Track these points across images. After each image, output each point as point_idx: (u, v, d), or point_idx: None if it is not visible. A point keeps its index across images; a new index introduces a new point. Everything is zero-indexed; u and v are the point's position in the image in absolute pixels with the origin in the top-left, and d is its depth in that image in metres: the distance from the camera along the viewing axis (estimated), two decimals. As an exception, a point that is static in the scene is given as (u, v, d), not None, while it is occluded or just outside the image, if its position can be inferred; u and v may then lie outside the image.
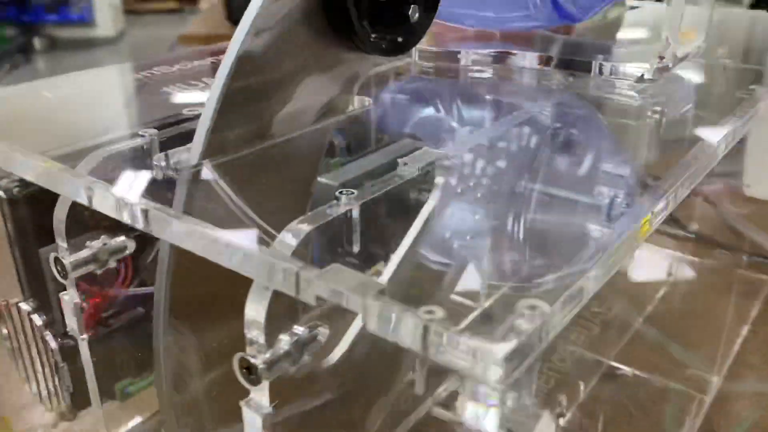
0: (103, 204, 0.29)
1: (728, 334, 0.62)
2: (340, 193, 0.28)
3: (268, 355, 0.25)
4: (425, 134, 0.38)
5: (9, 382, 0.47)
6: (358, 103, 0.39)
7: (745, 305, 0.68)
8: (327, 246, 0.28)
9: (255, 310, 0.25)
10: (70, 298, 0.34)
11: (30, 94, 0.43)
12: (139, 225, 0.28)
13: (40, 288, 0.41)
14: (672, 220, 0.76)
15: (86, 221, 0.35)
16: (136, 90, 0.46)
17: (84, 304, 0.38)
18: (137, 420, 0.45)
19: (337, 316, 0.26)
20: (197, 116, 0.33)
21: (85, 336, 0.35)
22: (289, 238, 0.25)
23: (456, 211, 0.33)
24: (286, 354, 0.26)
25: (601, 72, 0.44)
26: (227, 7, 2.09)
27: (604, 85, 0.44)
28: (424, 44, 0.50)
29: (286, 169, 0.35)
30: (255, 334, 0.25)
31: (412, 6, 0.36)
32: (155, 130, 0.34)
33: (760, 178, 0.72)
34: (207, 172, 0.31)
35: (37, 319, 0.37)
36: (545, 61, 0.49)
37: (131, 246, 0.34)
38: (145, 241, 0.36)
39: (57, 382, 0.38)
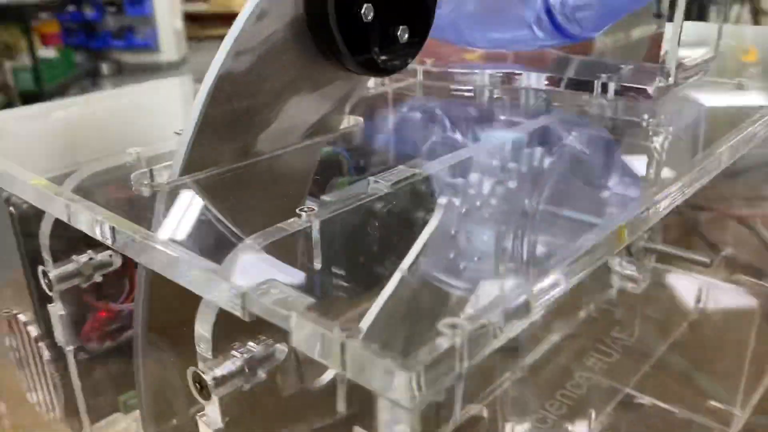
0: (80, 221, 0.30)
1: (757, 366, 0.59)
2: (301, 209, 0.28)
3: (217, 371, 0.25)
4: (413, 153, 0.38)
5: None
6: (348, 122, 0.39)
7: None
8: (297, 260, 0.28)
9: (202, 326, 0.25)
10: (55, 309, 0.34)
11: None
12: (109, 242, 0.28)
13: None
14: (706, 243, 0.73)
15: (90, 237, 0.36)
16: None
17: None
18: None
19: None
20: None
21: (71, 347, 0.35)
22: (239, 253, 0.26)
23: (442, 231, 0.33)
24: (238, 370, 0.26)
25: (605, 91, 0.43)
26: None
27: (604, 104, 0.43)
28: (428, 65, 0.50)
29: (270, 185, 0.35)
30: (203, 349, 0.25)
31: (401, 27, 0.36)
32: (142, 148, 0.35)
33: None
34: (185, 188, 0.32)
35: (33, 330, 0.38)
36: (554, 81, 0.48)
37: (117, 262, 0.35)
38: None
39: (51, 392, 0.39)
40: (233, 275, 0.23)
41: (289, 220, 0.27)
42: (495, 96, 0.48)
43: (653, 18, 0.58)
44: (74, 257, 0.34)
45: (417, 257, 0.31)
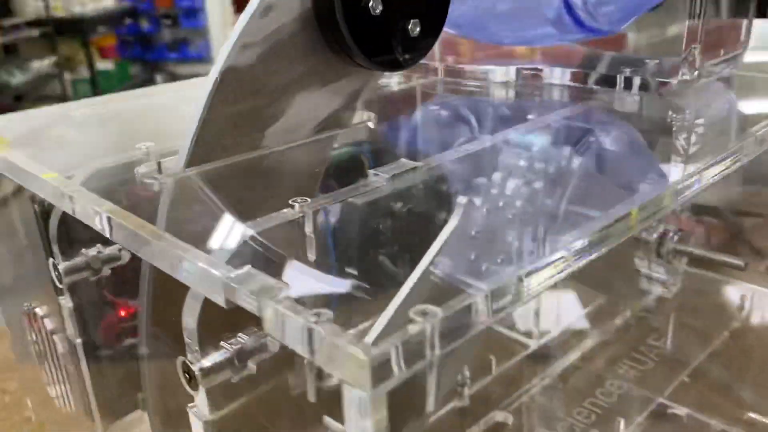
0: (80, 213, 0.30)
1: (802, 376, 0.56)
2: (294, 200, 0.27)
3: (205, 362, 0.25)
4: (424, 148, 0.37)
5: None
6: (359, 117, 0.39)
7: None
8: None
9: (189, 316, 0.25)
10: (65, 302, 0.35)
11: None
12: (107, 233, 0.29)
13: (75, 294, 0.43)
14: (752, 249, 0.70)
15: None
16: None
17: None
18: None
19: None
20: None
21: (79, 340, 0.36)
22: (228, 242, 0.25)
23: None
24: (227, 361, 0.26)
25: (628, 86, 0.42)
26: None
27: (626, 98, 0.41)
28: (449, 61, 0.49)
29: (278, 180, 0.35)
30: (190, 340, 0.25)
31: (412, 21, 0.36)
32: (153, 143, 0.35)
33: None
34: (189, 181, 0.32)
35: (48, 323, 0.39)
36: (578, 76, 0.47)
37: (125, 256, 0.35)
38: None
39: (67, 386, 0.40)
40: (217, 264, 0.23)
41: (281, 211, 0.27)
42: (517, 92, 0.47)
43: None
44: (83, 251, 0.34)
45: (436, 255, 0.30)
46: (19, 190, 0.40)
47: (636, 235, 0.47)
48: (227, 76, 0.32)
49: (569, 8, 0.43)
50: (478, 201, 0.31)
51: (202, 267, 0.23)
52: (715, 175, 0.29)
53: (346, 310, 0.20)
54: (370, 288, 0.24)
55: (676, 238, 0.45)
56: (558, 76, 0.46)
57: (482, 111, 0.44)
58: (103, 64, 3.57)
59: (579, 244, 0.24)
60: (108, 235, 0.28)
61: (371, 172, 0.30)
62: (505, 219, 0.30)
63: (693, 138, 0.35)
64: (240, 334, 0.26)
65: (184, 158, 0.32)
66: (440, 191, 0.32)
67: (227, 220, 0.27)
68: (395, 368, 0.18)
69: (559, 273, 0.23)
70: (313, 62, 0.35)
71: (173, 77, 4.06)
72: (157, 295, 0.32)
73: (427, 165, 0.32)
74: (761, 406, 0.54)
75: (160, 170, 0.34)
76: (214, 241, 0.25)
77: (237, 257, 0.24)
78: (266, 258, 0.25)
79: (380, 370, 0.17)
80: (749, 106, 0.43)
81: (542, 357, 0.61)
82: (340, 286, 0.24)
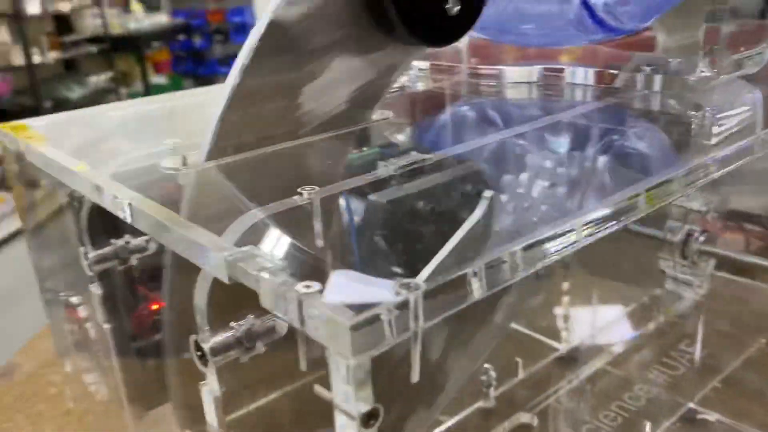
0: (108, 202, 0.32)
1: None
2: (302, 188, 0.28)
3: (214, 340, 0.26)
4: (440, 144, 0.38)
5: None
6: (378, 115, 0.40)
7: None
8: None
9: (199, 295, 0.26)
10: (94, 289, 0.37)
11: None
12: (129, 220, 0.30)
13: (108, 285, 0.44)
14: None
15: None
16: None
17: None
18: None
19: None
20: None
21: (108, 325, 0.37)
22: (236, 226, 0.26)
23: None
24: (236, 341, 0.27)
25: (649, 84, 0.42)
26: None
27: (646, 95, 0.41)
28: (473, 63, 0.50)
29: (288, 171, 0.36)
30: (200, 319, 0.26)
31: (452, 0, 0.36)
32: (177, 139, 0.37)
33: None
34: (210, 173, 0.33)
35: (82, 311, 0.41)
36: (601, 76, 0.47)
37: (152, 247, 0.37)
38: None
39: (99, 373, 0.41)
40: (223, 245, 0.24)
41: (291, 198, 0.28)
42: (539, 92, 0.47)
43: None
44: (112, 241, 0.36)
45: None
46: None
47: (661, 236, 0.46)
48: (273, 28, 0.32)
49: (589, 9, 0.43)
50: (490, 195, 0.32)
51: (208, 247, 0.24)
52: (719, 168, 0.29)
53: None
54: (366, 266, 0.25)
55: (701, 239, 0.45)
56: (581, 76, 0.46)
57: (502, 109, 0.45)
58: (157, 79, 3.69)
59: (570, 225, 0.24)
60: (130, 222, 0.30)
61: (381, 163, 0.31)
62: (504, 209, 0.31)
63: (707, 131, 0.35)
64: (250, 315, 0.27)
65: (204, 152, 0.34)
66: (445, 182, 0.33)
67: (238, 205, 0.29)
68: (377, 337, 0.18)
69: (551, 251, 0.24)
70: (353, 28, 0.35)
71: (224, 91, 4.15)
72: (177, 284, 0.34)
73: (437, 157, 0.32)
74: (797, 414, 0.52)
75: (184, 163, 0.35)
76: (225, 225, 0.27)
77: (244, 239, 0.25)
78: (270, 239, 0.26)
79: (362, 339, 0.18)
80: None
81: (571, 360, 0.60)
82: (338, 264, 0.25)
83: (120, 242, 0.36)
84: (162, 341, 0.44)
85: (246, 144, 0.35)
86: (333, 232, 0.29)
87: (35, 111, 2.76)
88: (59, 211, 0.44)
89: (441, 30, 0.35)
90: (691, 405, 0.53)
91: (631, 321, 0.64)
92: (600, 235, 0.26)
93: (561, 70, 0.47)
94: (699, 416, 0.53)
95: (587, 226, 0.26)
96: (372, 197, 0.36)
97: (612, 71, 0.45)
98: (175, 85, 3.68)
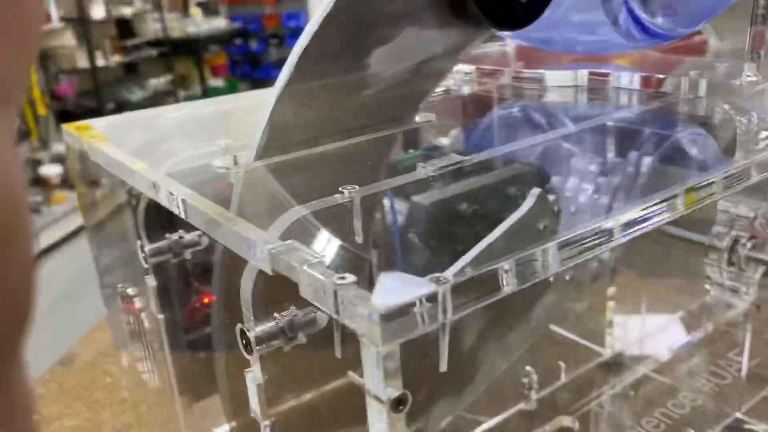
0: (163, 198, 0.33)
1: None
2: (344, 187, 0.30)
3: (258, 329, 0.28)
4: (481, 147, 0.39)
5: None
6: (422, 117, 0.41)
7: None
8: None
9: (245, 287, 0.28)
10: (149, 281, 0.39)
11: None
12: (183, 215, 0.32)
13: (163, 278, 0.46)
14: None
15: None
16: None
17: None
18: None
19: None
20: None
21: (161, 315, 0.39)
22: (281, 221, 0.28)
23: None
24: (279, 331, 0.28)
25: (693, 88, 0.42)
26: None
27: (691, 100, 0.41)
28: (519, 66, 0.50)
29: (332, 170, 0.37)
30: (246, 309, 0.28)
31: None
32: (229, 140, 0.39)
33: None
34: (257, 172, 0.35)
35: (138, 303, 0.43)
36: (646, 80, 0.47)
37: (204, 241, 0.39)
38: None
39: (152, 362, 0.44)
40: (267, 238, 0.26)
41: (332, 196, 0.29)
42: (583, 96, 0.47)
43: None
44: (167, 235, 0.38)
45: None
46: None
47: (707, 242, 0.46)
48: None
49: (635, 18, 0.43)
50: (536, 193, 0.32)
51: (254, 241, 0.25)
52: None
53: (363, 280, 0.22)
54: (407, 266, 0.26)
55: (749, 245, 0.44)
56: (626, 80, 0.46)
57: (545, 112, 0.45)
58: (215, 82, 3.77)
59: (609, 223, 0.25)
60: (184, 217, 0.31)
61: (420, 165, 0.32)
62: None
63: (752, 136, 0.35)
64: (292, 307, 0.29)
65: (254, 152, 0.35)
66: (487, 184, 0.33)
67: (284, 203, 0.30)
68: (407, 327, 0.19)
69: (584, 251, 0.24)
70: (427, 2, 0.36)
71: (279, 94, 4.22)
72: (227, 278, 0.35)
73: (476, 159, 0.33)
74: None
75: (235, 162, 0.37)
76: (270, 221, 0.28)
77: (287, 234, 0.27)
78: (312, 234, 0.27)
79: (392, 328, 0.19)
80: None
81: (615, 366, 0.60)
82: (373, 258, 0.26)
83: (174, 237, 0.38)
84: (212, 334, 0.46)
85: (293, 144, 0.36)
86: (372, 229, 0.30)
87: (98, 112, 2.86)
88: (118, 209, 0.46)
89: (511, 14, 0.36)
90: (738, 415, 0.53)
91: (678, 328, 0.63)
92: (634, 236, 0.26)
93: (607, 74, 0.47)
94: (746, 426, 0.52)
95: (620, 226, 0.26)
96: (415, 198, 0.38)
97: (658, 75, 0.44)
98: (231, 88, 3.76)
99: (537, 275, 0.23)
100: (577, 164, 0.40)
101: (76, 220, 2.28)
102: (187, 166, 0.37)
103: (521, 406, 0.55)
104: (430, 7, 0.36)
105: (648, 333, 0.63)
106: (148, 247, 0.37)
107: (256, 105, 0.52)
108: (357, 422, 0.32)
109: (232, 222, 0.27)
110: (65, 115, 2.77)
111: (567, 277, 0.45)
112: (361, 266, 0.24)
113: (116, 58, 3.16)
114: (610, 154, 0.37)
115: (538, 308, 0.42)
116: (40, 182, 2.56)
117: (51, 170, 2.60)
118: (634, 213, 0.27)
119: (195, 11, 3.77)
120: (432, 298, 0.20)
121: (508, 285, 0.22)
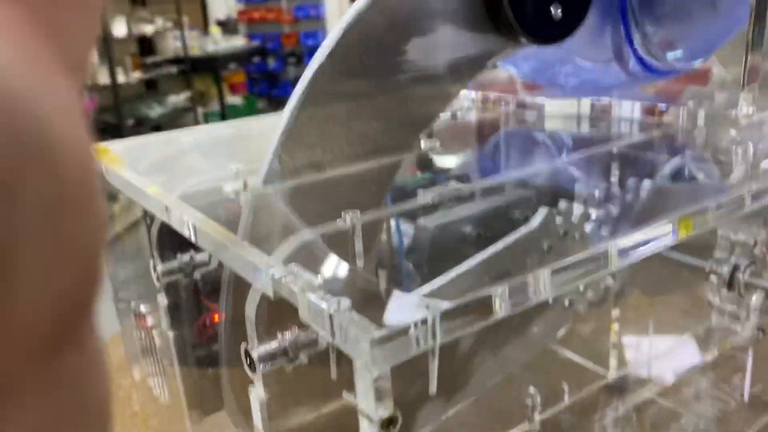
0: (175, 221, 0.35)
1: None
2: (345, 212, 0.31)
3: (261, 349, 0.29)
4: (479, 173, 0.40)
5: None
6: (426, 144, 0.42)
7: None
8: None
9: (250, 307, 0.29)
10: (161, 299, 0.40)
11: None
12: (193, 238, 0.33)
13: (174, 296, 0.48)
14: None
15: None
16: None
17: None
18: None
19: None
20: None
21: (171, 333, 0.41)
22: (285, 246, 0.29)
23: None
24: (281, 351, 0.29)
25: (692, 117, 0.43)
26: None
27: (689, 129, 0.42)
28: (524, 94, 0.52)
29: (344, 198, 0.39)
30: (250, 329, 0.29)
31: (554, 3, 0.38)
32: (241, 164, 0.40)
33: None
34: (265, 196, 0.36)
35: (149, 320, 0.44)
36: (648, 109, 0.48)
37: (213, 262, 0.40)
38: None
39: (163, 378, 0.45)
40: (270, 262, 0.27)
41: (335, 221, 0.31)
42: (584, 124, 0.48)
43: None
44: (178, 255, 0.40)
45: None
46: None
47: (707, 268, 0.47)
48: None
49: (643, 62, 0.44)
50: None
51: (257, 265, 0.27)
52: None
53: (369, 302, 0.23)
54: (399, 286, 0.27)
55: (748, 271, 0.45)
56: (627, 110, 0.47)
57: (546, 140, 0.46)
58: (233, 99, 3.82)
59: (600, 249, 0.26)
60: (194, 240, 0.33)
61: (420, 191, 0.34)
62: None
63: (744, 166, 0.36)
64: (295, 327, 0.30)
65: (262, 177, 0.37)
66: (486, 209, 0.34)
67: (288, 227, 0.31)
68: (397, 351, 0.21)
69: (575, 278, 0.25)
70: (463, 5, 0.38)
71: (296, 111, 4.26)
72: (233, 298, 0.37)
73: (477, 186, 0.34)
74: None
75: (245, 186, 0.38)
76: (274, 245, 0.29)
77: (290, 258, 0.28)
78: (314, 259, 0.29)
79: (383, 352, 0.20)
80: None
81: (618, 388, 0.60)
82: (372, 283, 0.28)
83: (185, 257, 0.39)
84: (219, 351, 0.47)
85: (301, 169, 0.38)
86: (373, 253, 0.31)
87: (117, 128, 2.91)
88: (134, 224, 0.48)
89: (544, 29, 0.37)
90: (741, 439, 0.53)
91: (683, 352, 0.63)
92: (627, 263, 0.27)
93: (608, 104, 0.48)
94: (748, 451, 0.52)
95: (612, 255, 0.27)
96: (420, 221, 0.39)
97: (658, 104, 0.46)
98: (249, 106, 3.81)
99: (530, 300, 0.24)
100: (578, 190, 0.41)
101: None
102: (199, 189, 0.39)
103: (525, 427, 0.56)
104: (464, 8, 0.37)
105: (653, 356, 0.63)
106: (160, 267, 0.39)
107: (269, 129, 0.53)
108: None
109: (237, 246, 0.29)
110: (85, 130, 2.80)
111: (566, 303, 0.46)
112: (359, 290, 0.25)
113: (137, 75, 3.21)
114: (607, 183, 0.38)
115: (534, 328, 0.43)
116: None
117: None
118: (628, 240, 0.28)
119: (214, 30, 3.82)
120: (422, 322, 0.21)
121: (502, 310, 0.23)
